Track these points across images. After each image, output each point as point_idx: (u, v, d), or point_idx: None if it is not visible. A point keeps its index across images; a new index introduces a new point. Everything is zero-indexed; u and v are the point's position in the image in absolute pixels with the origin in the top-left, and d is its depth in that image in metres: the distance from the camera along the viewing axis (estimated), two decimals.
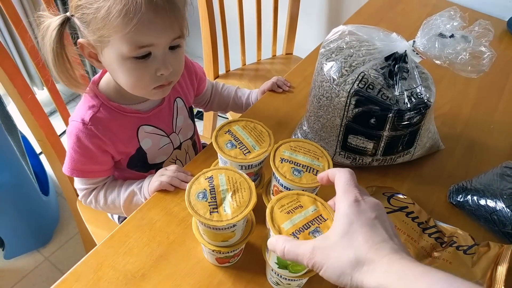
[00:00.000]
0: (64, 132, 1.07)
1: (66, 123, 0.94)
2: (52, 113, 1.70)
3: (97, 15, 0.58)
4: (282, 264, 0.51)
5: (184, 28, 0.63)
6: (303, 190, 0.54)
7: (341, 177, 0.46)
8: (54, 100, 0.94)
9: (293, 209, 0.49)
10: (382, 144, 0.71)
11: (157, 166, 0.81)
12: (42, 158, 1.51)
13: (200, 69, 0.90)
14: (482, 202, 0.68)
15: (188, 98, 0.85)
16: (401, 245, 0.42)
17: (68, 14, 0.62)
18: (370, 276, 0.39)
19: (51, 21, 0.62)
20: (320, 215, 0.48)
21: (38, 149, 1.48)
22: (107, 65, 0.66)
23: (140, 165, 0.79)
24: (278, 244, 0.45)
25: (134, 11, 0.56)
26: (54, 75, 0.66)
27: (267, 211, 0.49)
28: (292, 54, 1.58)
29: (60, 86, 0.89)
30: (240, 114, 0.92)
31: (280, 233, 0.46)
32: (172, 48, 0.64)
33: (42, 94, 1.84)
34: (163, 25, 0.60)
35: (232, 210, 0.50)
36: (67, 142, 0.73)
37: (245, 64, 1.49)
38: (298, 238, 0.46)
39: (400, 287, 0.37)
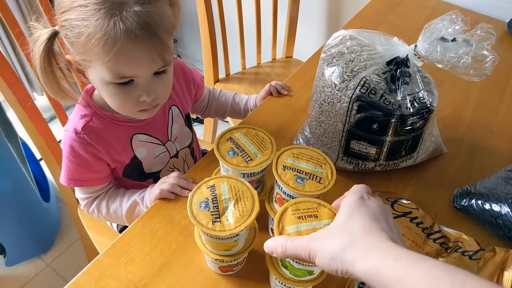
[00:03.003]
0: None
1: None
2: (51, 119, 1.70)
3: (79, 40, 0.57)
4: (284, 262, 0.51)
5: (168, 56, 0.61)
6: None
7: (354, 187, 0.47)
8: (54, 106, 0.94)
9: (306, 216, 0.48)
10: (385, 149, 0.70)
11: (154, 175, 0.81)
12: (43, 164, 1.51)
13: (198, 76, 0.89)
14: (487, 206, 0.67)
15: (185, 105, 0.84)
16: (401, 240, 0.41)
17: (56, 28, 0.62)
18: (363, 260, 0.38)
19: (40, 33, 0.61)
20: None
21: (38, 155, 1.48)
22: (93, 83, 0.66)
23: (136, 174, 0.79)
24: (278, 242, 0.45)
25: (113, 40, 0.55)
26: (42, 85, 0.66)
27: (280, 210, 0.49)
28: (292, 57, 1.57)
29: None
30: (238, 120, 0.91)
31: (280, 234, 0.46)
32: (157, 73, 0.63)
33: (41, 100, 1.83)
34: (142, 57, 0.59)
35: (235, 219, 0.50)
36: (62, 152, 0.72)
37: (245, 68, 1.49)
38: None
39: (395, 271, 0.36)
